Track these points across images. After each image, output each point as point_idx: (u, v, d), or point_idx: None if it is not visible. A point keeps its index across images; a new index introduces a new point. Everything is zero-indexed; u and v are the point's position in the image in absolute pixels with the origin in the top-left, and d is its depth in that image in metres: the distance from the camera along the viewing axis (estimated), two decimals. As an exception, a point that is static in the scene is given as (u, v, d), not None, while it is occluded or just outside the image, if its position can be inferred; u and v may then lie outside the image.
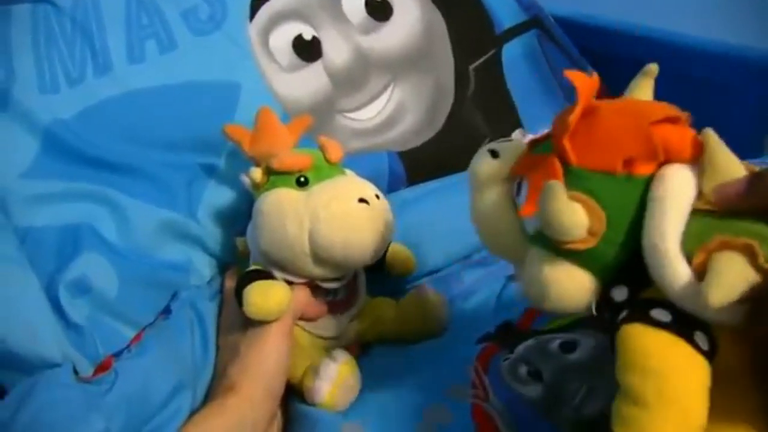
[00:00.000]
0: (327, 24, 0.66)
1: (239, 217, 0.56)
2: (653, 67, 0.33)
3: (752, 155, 0.48)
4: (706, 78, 0.70)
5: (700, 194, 0.29)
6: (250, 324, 0.46)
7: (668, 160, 0.29)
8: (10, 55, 0.56)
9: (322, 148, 0.50)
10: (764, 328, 0.27)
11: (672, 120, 0.30)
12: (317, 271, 0.47)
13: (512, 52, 0.74)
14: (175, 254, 0.55)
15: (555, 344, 0.42)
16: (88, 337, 0.48)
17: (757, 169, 0.28)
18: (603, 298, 0.30)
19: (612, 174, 0.29)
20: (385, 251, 0.50)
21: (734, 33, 0.71)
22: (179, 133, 0.57)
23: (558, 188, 0.28)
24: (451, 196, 0.60)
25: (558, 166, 0.30)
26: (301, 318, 0.48)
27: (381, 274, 0.54)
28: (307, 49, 0.65)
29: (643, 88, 0.33)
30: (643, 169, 0.29)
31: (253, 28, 0.63)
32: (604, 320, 0.30)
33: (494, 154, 0.34)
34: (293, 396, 0.48)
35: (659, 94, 0.34)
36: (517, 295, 0.53)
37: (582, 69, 0.77)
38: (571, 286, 0.30)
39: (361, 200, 0.46)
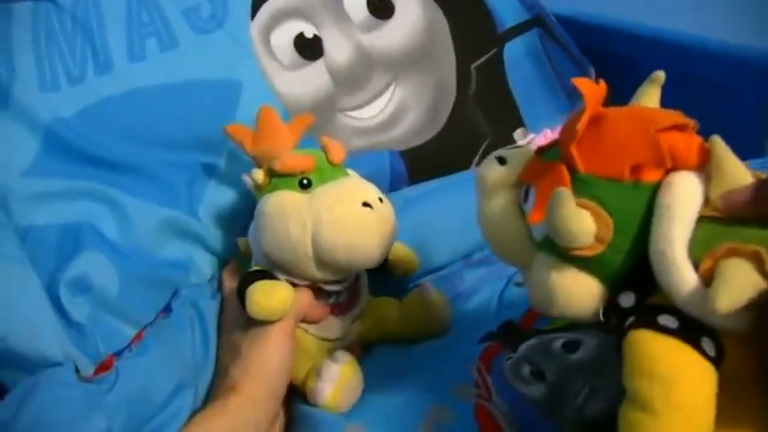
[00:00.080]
0: (328, 22, 0.66)
1: (240, 215, 0.56)
2: (660, 75, 0.33)
3: (752, 155, 0.48)
4: (706, 77, 0.70)
5: (707, 201, 0.29)
6: (252, 324, 0.46)
7: (675, 167, 0.29)
8: (11, 53, 0.55)
9: (324, 149, 0.49)
10: (771, 335, 0.27)
11: (679, 127, 0.30)
12: (320, 273, 0.46)
13: (514, 51, 0.74)
14: (175, 252, 0.55)
15: (558, 344, 0.42)
16: (88, 336, 0.48)
17: (763, 176, 0.29)
18: (610, 304, 0.31)
19: (619, 181, 0.30)
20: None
21: (734, 32, 0.70)
22: (180, 131, 0.57)
23: (566, 195, 0.28)
24: (452, 194, 0.61)
25: (565, 173, 0.30)
26: (303, 320, 0.48)
27: (383, 274, 0.53)
28: (309, 48, 0.65)
29: (649, 95, 0.33)
30: (651, 176, 0.29)
31: (255, 27, 0.63)
32: (611, 326, 0.30)
33: (502, 160, 0.35)
34: (296, 397, 0.48)
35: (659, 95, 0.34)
36: (519, 294, 0.53)
37: (583, 68, 0.78)
38: (579, 292, 0.30)
39: (365, 204, 0.45)
